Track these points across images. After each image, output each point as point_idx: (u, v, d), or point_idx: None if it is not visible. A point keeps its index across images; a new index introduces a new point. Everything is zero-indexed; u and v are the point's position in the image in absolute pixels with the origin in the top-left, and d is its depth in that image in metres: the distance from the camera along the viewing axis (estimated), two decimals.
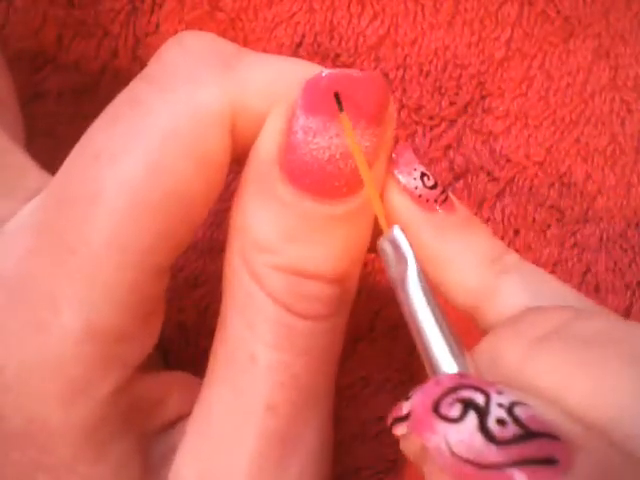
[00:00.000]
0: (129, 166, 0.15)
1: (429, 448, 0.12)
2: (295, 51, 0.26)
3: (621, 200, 0.26)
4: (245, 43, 0.26)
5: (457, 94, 0.26)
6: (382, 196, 0.17)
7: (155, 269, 0.16)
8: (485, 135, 0.26)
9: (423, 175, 0.18)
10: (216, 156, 0.16)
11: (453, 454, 0.12)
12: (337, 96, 0.15)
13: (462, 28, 0.26)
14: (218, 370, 0.17)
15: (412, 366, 0.25)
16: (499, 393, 0.12)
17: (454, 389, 0.12)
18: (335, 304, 0.17)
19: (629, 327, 0.14)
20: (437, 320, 0.15)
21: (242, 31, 0.26)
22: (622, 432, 0.12)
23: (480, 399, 0.12)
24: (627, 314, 0.26)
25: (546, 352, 0.14)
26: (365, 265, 0.25)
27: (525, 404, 0.12)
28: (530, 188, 0.26)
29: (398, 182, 0.17)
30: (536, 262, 0.26)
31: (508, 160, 0.26)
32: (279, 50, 0.26)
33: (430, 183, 0.17)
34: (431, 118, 0.26)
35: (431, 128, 0.26)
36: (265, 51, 0.26)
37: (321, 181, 0.16)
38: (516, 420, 0.12)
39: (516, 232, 0.26)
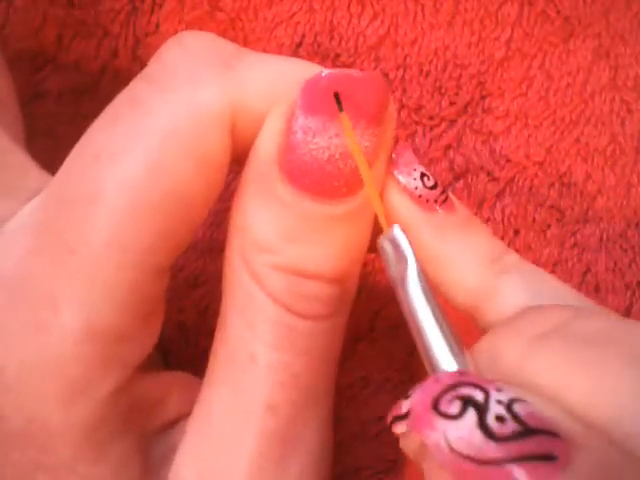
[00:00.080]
0: (129, 166, 0.15)
1: (428, 445, 0.12)
2: (295, 51, 0.26)
3: (621, 200, 0.26)
4: (245, 43, 0.26)
5: (457, 94, 0.26)
6: (382, 196, 0.18)
7: (155, 269, 0.16)
8: (485, 135, 0.26)
9: (423, 175, 0.18)
10: (216, 156, 0.16)
11: (452, 450, 0.12)
12: (337, 96, 0.15)
13: (462, 28, 0.26)
14: (218, 370, 0.17)
15: (412, 366, 0.25)
16: (498, 390, 0.12)
17: (453, 386, 0.13)
18: (335, 304, 0.17)
19: (629, 326, 0.14)
20: (437, 319, 0.15)
21: (242, 31, 0.26)
22: (622, 431, 0.12)
23: (479, 396, 0.12)
24: (627, 314, 0.26)
25: (545, 350, 0.14)
26: (365, 265, 0.25)
27: (524, 401, 0.12)
28: (530, 188, 0.26)
29: (398, 182, 0.17)
30: (536, 262, 0.26)
31: (508, 160, 0.26)
32: (279, 50, 0.26)
33: (430, 183, 0.17)
34: (431, 118, 0.26)
35: (431, 128, 0.26)
36: (265, 51, 0.26)
37: (321, 181, 0.16)
38: (515, 417, 0.12)
39: (516, 232, 0.26)
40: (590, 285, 0.26)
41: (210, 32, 0.17)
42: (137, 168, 0.15)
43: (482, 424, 0.12)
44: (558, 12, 0.26)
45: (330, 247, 0.16)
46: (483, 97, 0.26)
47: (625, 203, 0.26)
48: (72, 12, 0.25)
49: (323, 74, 0.16)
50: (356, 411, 0.25)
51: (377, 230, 0.17)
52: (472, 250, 0.18)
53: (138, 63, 0.26)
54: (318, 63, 0.18)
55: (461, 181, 0.26)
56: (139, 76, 0.17)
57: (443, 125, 0.26)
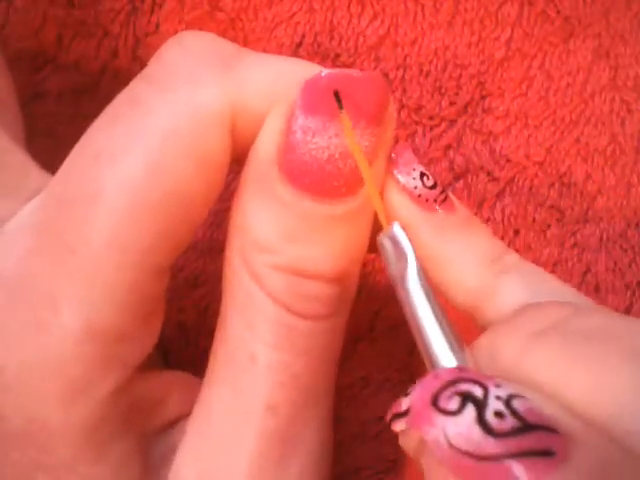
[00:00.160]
0: (129, 166, 0.15)
1: (427, 441, 0.12)
2: (295, 51, 0.26)
3: (621, 200, 0.26)
4: (245, 43, 0.26)
5: (457, 94, 0.26)
6: (381, 196, 0.18)
7: (155, 269, 0.16)
8: (485, 135, 0.26)
9: (422, 175, 0.18)
10: (216, 156, 0.16)
11: (451, 446, 0.12)
12: (337, 95, 0.15)
13: (462, 28, 0.26)
14: (218, 370, 0.17)
15: (412, 366, 0.25)
16: (497, 386, 0.12)
17: (453, 382, 0.13)
18: (335, 304, 0.17)
19: (629, 323, 0.14)
20: (436, 316, 0.15)
21: (242, 31, 0.26)
22: (622, 428, 0.12)
23: (478, 392, 0.12)
24: (627, 314, 0.26)
25: (544, 347, 0.14)
26: (365, 265, 0.25)
27: (523, 397, 0.12)
28: (530, 188, 0.26)
29: (397, 182, 0.17)
30: (536, 262, 0.26)
31: (508, 160, 0.26)
32: (279, 50, 0.26)
33: (430, 183, 0.17)
34: (431, 118, 0.26)
35: (431, 128, 0.26)
36: (265, 51, 0.26)
37: (320, 181, 0.16)
38: (514, 413, 0.12)
39: (516, 232, 0.26)
40: (590, 285, 0.26)
41: (210, 32, 0.17)
42: (137, 168, 0.15)
43: (481, 420, 0.12)
44: (558, 12, 0.26)
45: (330, 247, 0.16)
46: (483, 97, 0.26)
47: (625, 203, 0.26)
48: (72, 12, 0.25)
49: (323, 74, 0.16)
50: (356, 411, 0.25)
51: (377, 230, 0.17)
52: (472, 250, 0.18)
53: (138, 63, 0.26)
54: (318, 63, 0.18)
55: (461, 181, 0.26)
56: (139, 76, 0.17)
57: (443, 125, 0.26)
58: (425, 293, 0.15)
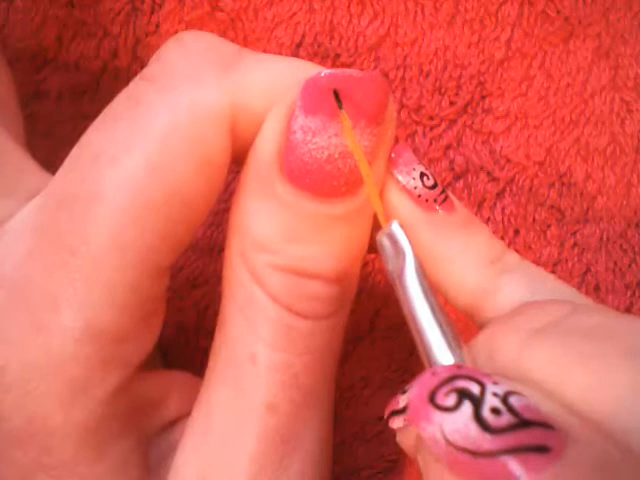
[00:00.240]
0: (129, 166, 0.15)
1: (425, 438, 0.12)
2: (295, 51, 0.26)
3: (621, 200, 0.26)
4: (245, 43, 0.26)
5: (457, 94, 0.26)
6: (381, 196, 0.18)
7: (155, 269, 0.16)
8: (485, 135, 0.26)
9: (422, 175, 0.18)
10: (216, 156, 0.16)
11: (448, 443, 0.12)
12: (336, 94, 0.15)
13: (462, 28, 0.26)
14: (218, 370, 0.17)
15: (412, 366, 0.25)
16: (494, 383, 0.12)
17: (450, 379, 0.13)
18: (335, 303, 0.17)
19: (628, 321, 0.14)
20: (434, 313, 0.15)
21: (242, 31, 0.26)
22: (621, 426, 0.12)
23: (475, 389, 0.12)
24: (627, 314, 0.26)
25: (543, 344, 0.14)
26: (365, 265, 0.25)
27: (520, 394, 0.12)
28: (530, 188, 0.26)
29: (397, 182, 0.17)
30: (536, 262, 0.26)
31: (508, 160, 0.26)
32: (279, 50, 0.26)
33: (429, 183, 0.17)
34: (431, 118, 0.26)
35: (431, 128, 0.26)
36: (265, 51, 0.26)
37: (320, 181, 0.16)
38: (510, 409, 0.12)
39: (516, 232, 0.26)
40: (590, 285, 0.26)
41: (210, 32, 0.17)
42: (137, 168, 0.15)
43: (477, 416, 0.12)
44: (558, 12, 0.26)
45: (330, 247, 0.16)
46: (483, 97, 0.26)
47: (625, 203, 0.26)
48: (72, 12, 0.25)
49: (323, 74, 0.16)
50: (356, 411, 0.25)
51: (377, 230, 0.17)
52: (472, 250, 0.18)
53: (138, 63, 0.26)
54: (318, 63, 0.18)
55: (461, 181, 0.26)
56: (139, 76, 0.17)
57: (443, 125, 0.26)
58: (423, 290, 0.15)
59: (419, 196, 0.17)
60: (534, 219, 0.26)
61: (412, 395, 0.13)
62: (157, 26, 0.26)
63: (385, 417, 0.14)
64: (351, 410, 0.25)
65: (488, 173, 0.26)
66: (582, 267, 0.26)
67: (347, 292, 0.18)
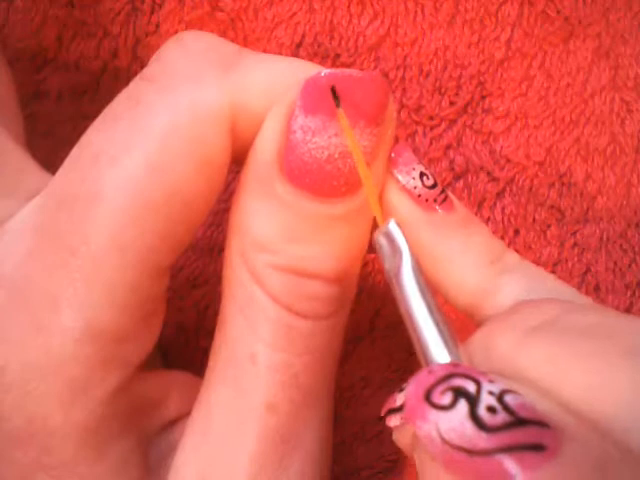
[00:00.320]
0: (129, 166, 0.15)
1: (420, 436, 0.12)
2: (295, 51, 0.26)
3: (621, 200, 0.26)
4: (245, 43, 0.26)
5: (457, 94, 0.26)
6: (381, 195, 0.18)
7: (155, 269, 0.16)
8: (485, 135, 0.26)
9: (422, 175, 0.18)
10: (216, 156, 0.16)
11: (444, 441, 0.12)
12: (334, 92, 0.15)
13: (462, 28, 0.26)
14: (218, 370, 0.17)
15: (412, 366, 0.25)
16: (490, 382, 0.12)
17: (446, 378, 0.13)
18: (335, 303, 0.17)
19: (627, 321, 0.14)
20: (431, 311, 0.15)
21: (242, 31, 0.26)
22: (620, 426, 0.12)
23: (471, 387, 0.12)
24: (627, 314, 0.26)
25: (540, 342, 0.14)
26: (365, 265, 0.25)
27: (516, 392, 0.12)
28: (530, 188, 0.26)
29: (397, 181, 0.17)
30: (536, 262, 0.26)
31: (508, 160, 0.26)
32: (279, 50, 0.26)
33: (429, 182, 0.17)
34: (431, 118, 0.26)
35: (431, 128, 0.26)
36: (265, 51, 0.26)
37: (320, 181, 0.16)
38: (506, 408, 0.12)
39: (516, 232, 0.26)
40: (590, 285, 0.26)
41: (210, 32, 0.17)
42: (137, 168, 0.15)
43: (473, 415, 0.12)
44: (558, 12, 0.26)
45: (330, 247, 0.16)
46: (483, 97, 0.26)
47: (625, 203, 0.26)
48: (72, 12, 0.25)
49: (323, 74, 0.16)
50: (356, 411, 0.25)
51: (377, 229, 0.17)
52: (472, 250, 0.18)
53: (138, 63, 0.26)
54: (318, 63, 0.18)
55: (461, 181, 0.26)
56: (139, 76, 0.17)
57: (443, 125, 0.26)
58: (419, 289, 0.15)
59: (419, 196, 0.17)
60: (534, 219, 0.26)
61: (408, 393, 0.13)
62: (157, 26, 0.26)
63: (382, 415, 0.14)
64: (351, 410, 0.25)
65: (488, 173, 0.26)
66: (582, 267, 0.26)
67: (347, 292, 0.18)
